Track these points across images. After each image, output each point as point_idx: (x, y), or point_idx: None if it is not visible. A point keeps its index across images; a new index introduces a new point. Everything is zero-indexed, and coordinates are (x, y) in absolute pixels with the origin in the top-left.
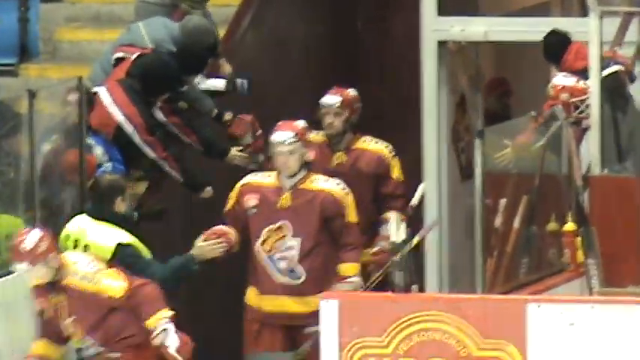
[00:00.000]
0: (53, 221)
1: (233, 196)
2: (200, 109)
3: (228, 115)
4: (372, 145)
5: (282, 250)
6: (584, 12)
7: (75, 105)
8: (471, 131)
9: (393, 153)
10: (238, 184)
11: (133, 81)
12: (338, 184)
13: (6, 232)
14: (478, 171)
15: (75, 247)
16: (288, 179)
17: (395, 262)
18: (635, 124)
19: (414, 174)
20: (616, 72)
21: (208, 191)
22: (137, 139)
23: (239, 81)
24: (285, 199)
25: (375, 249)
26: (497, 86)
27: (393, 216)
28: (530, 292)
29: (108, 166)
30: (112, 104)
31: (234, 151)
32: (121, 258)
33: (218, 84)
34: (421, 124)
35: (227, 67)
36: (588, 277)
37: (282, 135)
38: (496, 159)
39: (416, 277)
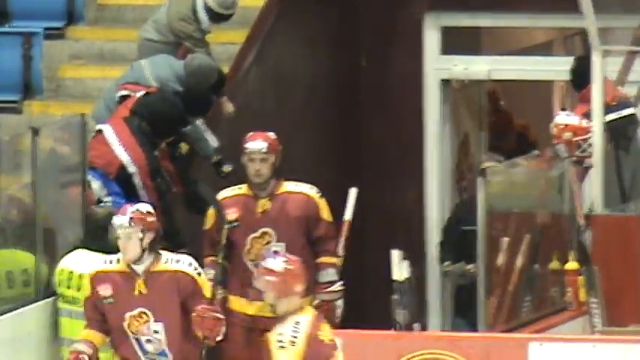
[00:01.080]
0: (56, 258)
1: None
2: (201, 151)
3: (227, 168)
4: (297, 188)
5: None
6: (586, 52)
7: (75, 142)
8: (474, 170)
9: (320, 194)
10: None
11: (140, 121)
12: (184, 262)
13: (7, 267)
14: (480, 210)
15: (69, 279)
16: (137, 265)
17: (396, 300)
18: (638, 164)
19: (415, 213)
20: (633, 114)
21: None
22: (137, 180)
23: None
24: (140, 285)
25: (315, 302)
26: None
27: (394, 254)
28: (533, 330)
29: (108, 200)
30: (117, 144)
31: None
32: None
33: (212, 143)
34: (424, 162)
35: (229, 107)
36: (590, 316)
37: (256, 144)
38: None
39: (418, 315)
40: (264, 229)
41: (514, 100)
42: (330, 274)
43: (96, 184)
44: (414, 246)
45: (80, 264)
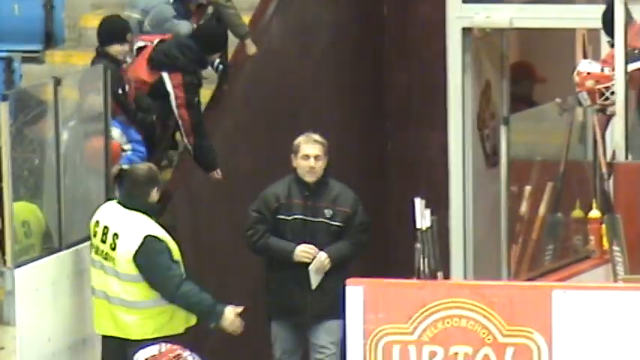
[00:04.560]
0: (78, 208)
1: None
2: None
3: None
4: None
5: None
6: None
7: (99, 91)
8: (496, 118)
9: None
10: None
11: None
12: None
13: (22, 218)
14: (503, 158)
15: (104, 234)
16: None
17: (419, 249)
18: None
19: (439, 161)
20: None
21: (217, 173)
22: (172, 99)
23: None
24: None
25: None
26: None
27: (417, 202)
28: (556, 278)
29: (128, 147)
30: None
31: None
32: (147, 251)
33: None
34: (447, 111)
35: (252, 48)
36: (613, 264)
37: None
38: None
39: (441, 263)
40: None
41: (536, 49)
42: None
43: (116, 132)
44: (437, 194)
45: (116, 222)
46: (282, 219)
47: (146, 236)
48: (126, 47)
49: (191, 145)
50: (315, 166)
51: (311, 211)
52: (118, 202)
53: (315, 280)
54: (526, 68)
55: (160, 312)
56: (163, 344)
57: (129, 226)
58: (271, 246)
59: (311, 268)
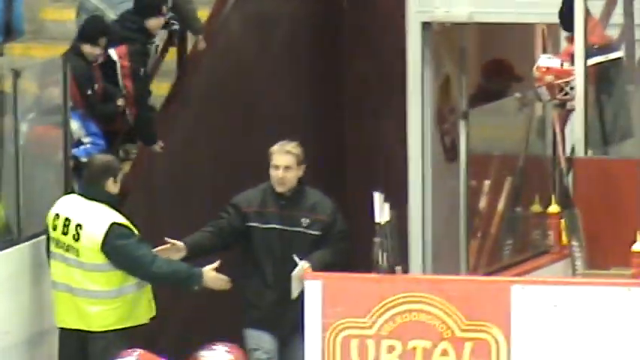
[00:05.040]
0: (37, 201)
1: None
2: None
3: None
4: None
5: None
6: None
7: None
8: (455, 113)
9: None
10: None
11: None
12: None
13: None
14: (462, 152)
15: (65, 226)
16: None
17: (378, 243)
18: (620, 107)
19: (398, 155)
20: (619, 58)
21: (158, 145)
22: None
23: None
24: None
25: None
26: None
27: (376, 196)
28: (514, 273)
29: (87, 140)
30: None
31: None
32: (114, 238)
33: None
34: (406, 104)
35: (203, 44)
36: (572, 259)
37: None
38: None
39: (400, 258)
40: None
41: (495, 44)
42: None
43: (75, 125)
44: (396, 188)
45: (78, 213)
46: (255, 227)
47: (111, 224)
48: (97, 50)
49: (132, 116)
50: (283, 176)
51: (288, 220)
52: (79, 194)
53: (296, 290)
54: (501, 65)
55: (124, 302)
56: (140, 351)
57: (92, 216)
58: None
59: (293, 275)
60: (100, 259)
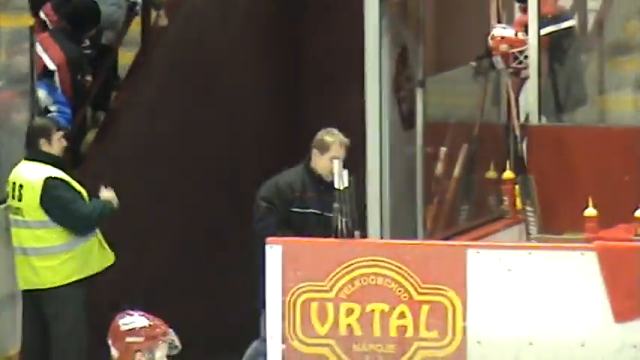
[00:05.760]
0: (2, 167)
1: None
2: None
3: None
4: None
5: None
6: None
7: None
8: (412, 81)
9: None
10: None
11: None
12: None
13: None
14: (419, 120)
15: (13, 190)
16: None
17: (337, 208)
18: (572, 75)
19: (356, 124)
20: (571, 27)
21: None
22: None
23: None
24: None
25: None
26: None
27: (335, 163)
28: (470, 238)
29: (54, 109)
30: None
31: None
32: (49, 191)
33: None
34: (363, 74)
35: (164, 21)
36: (526, 224)
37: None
38: None
39: (358, 223)
40: None
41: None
42: None
43: (42, 93)
44: (354, 155)
45: (20, 175)
46: (297, 212)
47: (46, 178)
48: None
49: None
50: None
51: (326, 205)
52: (24, 159)
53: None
54: None
55: (74, 255)
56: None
57: (29, 175)
58: None
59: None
60: (43, 215)
